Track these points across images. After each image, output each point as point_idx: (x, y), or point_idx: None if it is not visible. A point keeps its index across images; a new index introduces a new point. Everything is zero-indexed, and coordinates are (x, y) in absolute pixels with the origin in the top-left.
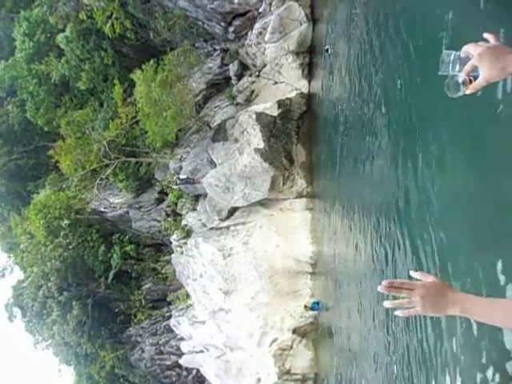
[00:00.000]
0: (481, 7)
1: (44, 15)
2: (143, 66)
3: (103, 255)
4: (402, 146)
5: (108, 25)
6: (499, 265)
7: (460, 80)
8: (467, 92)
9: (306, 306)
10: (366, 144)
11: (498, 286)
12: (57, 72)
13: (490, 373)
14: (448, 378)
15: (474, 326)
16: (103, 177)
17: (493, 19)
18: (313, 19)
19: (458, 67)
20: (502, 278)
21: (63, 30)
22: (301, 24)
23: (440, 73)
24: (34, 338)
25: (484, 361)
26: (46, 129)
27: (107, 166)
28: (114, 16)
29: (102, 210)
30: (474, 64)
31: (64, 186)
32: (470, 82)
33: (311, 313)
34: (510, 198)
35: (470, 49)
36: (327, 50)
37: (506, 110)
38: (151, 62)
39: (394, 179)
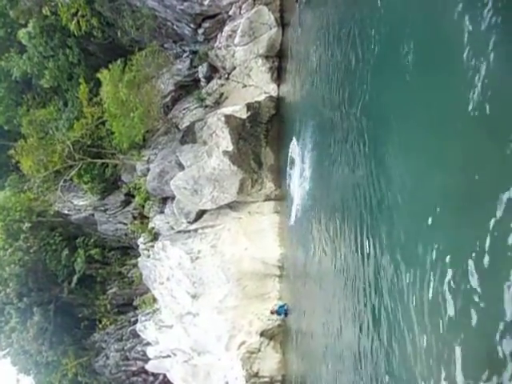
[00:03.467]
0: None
1: (4, 8)
2: (110, 66)
3: (66, 259)
4: (367, 147)
5: (73, 22)
6: (470, 251)
7: None
8: None
9: (272, 311)
10: (333, 146)
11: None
12: (18, 69)
13: None
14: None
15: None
16: (67, 178)
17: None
18: (282, 24)
19: None
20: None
21: (25, 25)
22: (270, 28)
23: None
24: None
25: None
26: (5, 128)
27: (71, 167)
28: (79, 13)
29: (66, 212)
30: None
31: (25, 187)
32: None
33: (279, 317)
34: (474, 191)
35: None
36: None
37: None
38: (118, 61)
39: (359, 180)
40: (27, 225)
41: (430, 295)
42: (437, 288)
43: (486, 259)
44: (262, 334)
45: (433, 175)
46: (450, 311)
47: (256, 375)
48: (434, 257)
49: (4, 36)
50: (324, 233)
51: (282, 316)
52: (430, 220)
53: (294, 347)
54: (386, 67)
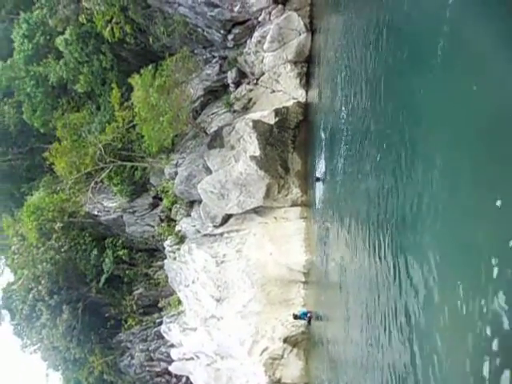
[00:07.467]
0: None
1: (44, 17)
2: (141, 71)
3: (95, 259)
4: (397, 157)
5: (108, 29)
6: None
7: None
8: None
9: (295, 316)
10: (363, 154)
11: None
12: (55, 74)
13: None
14: None
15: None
16: (98, 180)
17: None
18: (311, 29)
19: None
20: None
21: (63, 33)
22: (300, 34)
23: None
24: (22, 341)
25: None
26: (41, 131)
27: (102, 169)
28: (113, 20)
29: (96, 213)
30: None
31: (58, 188)
32: None
33: (302, 322)
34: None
35: None
36: None
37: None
38: (150, 66)
39: (390, 190)
40: (59, 225)
41: (464, 301)
42: (472, 298)
43: None
44: (285, 341)
45: (466, 184)
46: (484, 319)
47: (278, 381)
48: (467, 265)
49: (43, 43)
50: (351, 239)
51: (305, 321)
52: (457, 229)
53: (318, 355)
54: (419, 72)
